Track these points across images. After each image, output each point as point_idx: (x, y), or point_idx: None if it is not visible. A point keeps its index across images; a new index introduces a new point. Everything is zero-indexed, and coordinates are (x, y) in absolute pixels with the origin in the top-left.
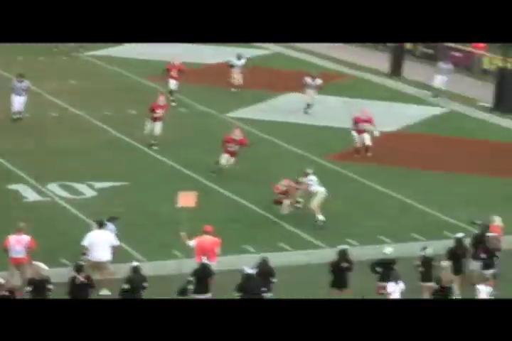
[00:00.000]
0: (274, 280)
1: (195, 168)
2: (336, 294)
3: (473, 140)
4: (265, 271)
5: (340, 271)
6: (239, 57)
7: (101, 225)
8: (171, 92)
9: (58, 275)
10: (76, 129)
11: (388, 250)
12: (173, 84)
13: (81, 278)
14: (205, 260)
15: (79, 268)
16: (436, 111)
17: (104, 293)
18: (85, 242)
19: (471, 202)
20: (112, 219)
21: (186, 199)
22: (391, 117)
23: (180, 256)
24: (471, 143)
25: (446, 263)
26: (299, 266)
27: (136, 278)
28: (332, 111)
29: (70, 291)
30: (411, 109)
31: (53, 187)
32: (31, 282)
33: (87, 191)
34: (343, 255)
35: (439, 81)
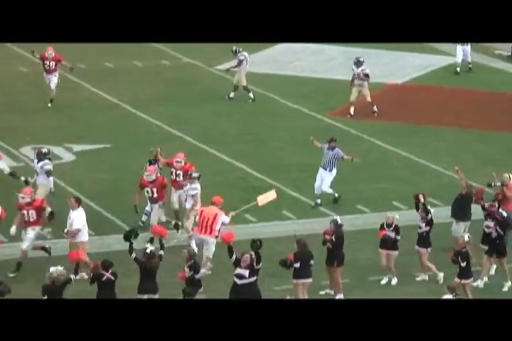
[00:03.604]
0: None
1: (181, 126)
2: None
3: (490, 92)
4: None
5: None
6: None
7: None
8: None
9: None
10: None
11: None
12: None
13: (108, 275)
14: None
15: (107, 265)
16: (449, 60)
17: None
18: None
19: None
20: None
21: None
22: (399, 68)
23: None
24: (487, 96)
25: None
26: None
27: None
28: (333, 62)
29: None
30: (419, 58)
31: (27, 151)
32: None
33: (64, 155)
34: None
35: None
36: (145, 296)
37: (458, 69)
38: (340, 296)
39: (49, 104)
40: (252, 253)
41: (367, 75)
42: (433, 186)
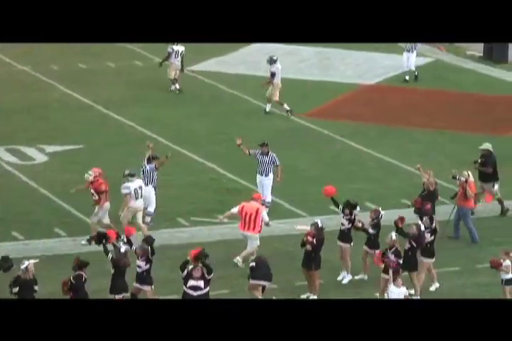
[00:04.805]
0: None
1: (154, 127)
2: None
3: (462, 93)
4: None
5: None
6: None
7: None
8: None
9: (11, 250)
10: (21, 86)
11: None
12: None
13: (85, 275)
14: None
15: (84, 265)
16: (420, 61)
17: None
18: None
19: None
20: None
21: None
22: (371, 69)
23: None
24: (459, 97)
25: None
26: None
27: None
28: (306, 62)
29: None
30: (390, 59)
31: None
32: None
33: (37, 156)
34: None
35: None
36: (120, 296)
37: (407, 77)
38: (314, 298)
39: None
40: (200, 264)
41: (272, 74)
42: (406, 187)
